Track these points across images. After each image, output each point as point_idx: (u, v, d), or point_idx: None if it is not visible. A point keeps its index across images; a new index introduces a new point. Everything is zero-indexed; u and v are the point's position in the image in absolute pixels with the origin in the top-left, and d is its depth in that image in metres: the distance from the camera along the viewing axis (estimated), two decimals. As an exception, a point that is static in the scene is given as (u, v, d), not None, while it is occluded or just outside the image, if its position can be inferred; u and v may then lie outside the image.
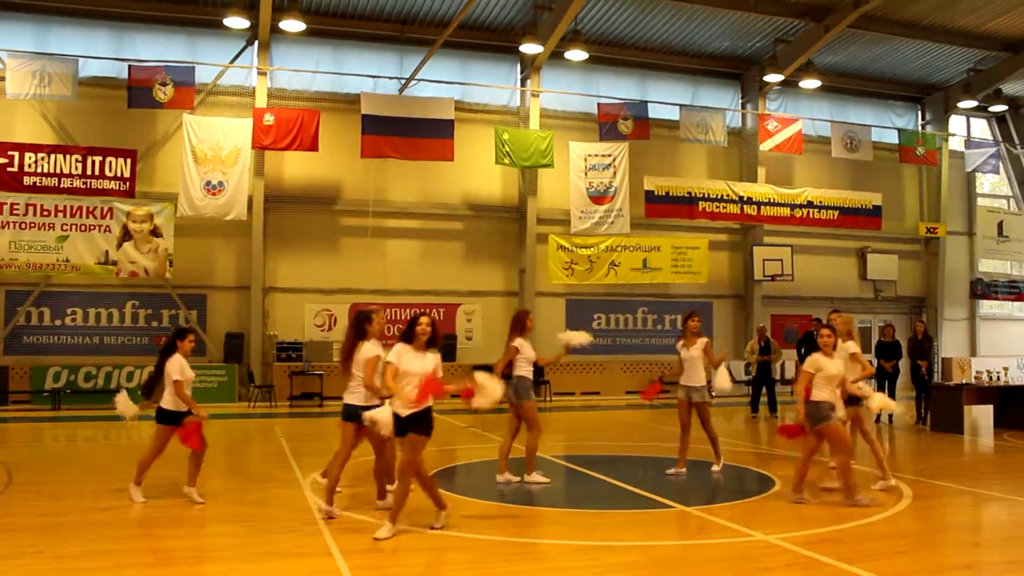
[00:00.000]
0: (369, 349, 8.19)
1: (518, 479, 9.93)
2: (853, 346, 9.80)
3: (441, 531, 7.52)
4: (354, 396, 8.23)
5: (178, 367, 8.78)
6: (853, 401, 10.38)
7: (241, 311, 21.58)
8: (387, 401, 7.61)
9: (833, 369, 8.78)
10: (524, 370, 9.98)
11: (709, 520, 8.09)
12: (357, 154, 21.27)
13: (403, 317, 22.62)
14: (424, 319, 7.53)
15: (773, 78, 24.41)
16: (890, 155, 26.70)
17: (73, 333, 20.71)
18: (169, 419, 8.77)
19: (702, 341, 10.49)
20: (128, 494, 8.77)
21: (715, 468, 10.73)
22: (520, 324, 10.10)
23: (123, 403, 9.07)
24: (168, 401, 8.78)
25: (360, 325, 8.38)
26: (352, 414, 8.18)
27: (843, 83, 26.77)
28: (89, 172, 19.63)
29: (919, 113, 28.63)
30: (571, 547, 7.22)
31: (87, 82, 20.37)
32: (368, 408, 7.78)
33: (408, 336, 7.50)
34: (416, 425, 7.32)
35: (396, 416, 7.32)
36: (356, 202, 22.49)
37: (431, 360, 7.48)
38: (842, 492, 8.82)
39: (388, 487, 8.42)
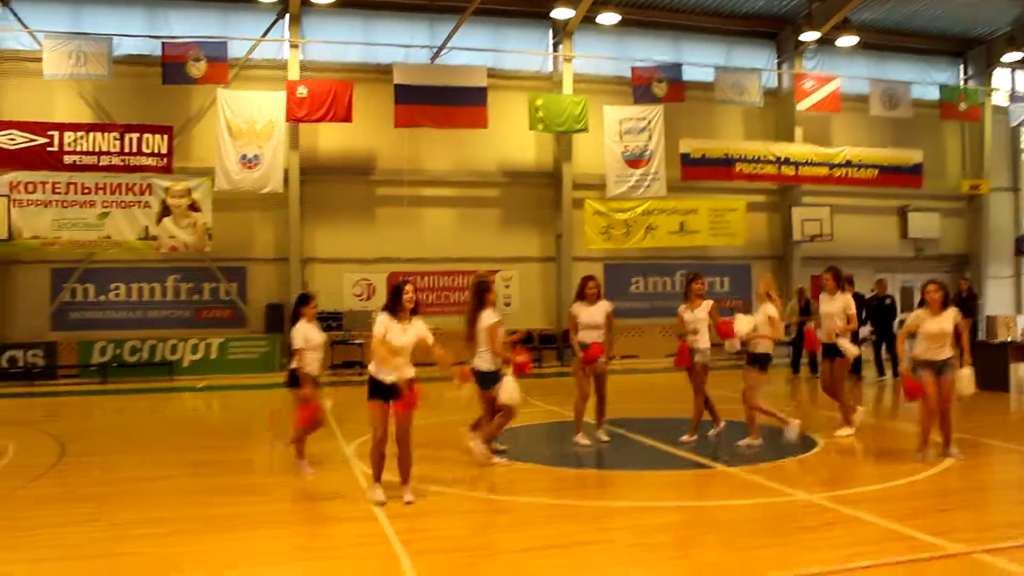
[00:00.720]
0: (489, 317, 8.88)
1: (606, 439, 10.31)
2: (772, 309, 10.00)
3: (485, 495, 7.60)
4: (480, 361, 8.93)
5: (300, 336, 8.88)
6: (832, 352, 10.45)
7: (281, 282, 21.78)
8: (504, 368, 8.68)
9: (934, 327, 8.73)
10: (580, 335, 10.18)
11: (750, 480, 8.10)
12: (391, 124, 21.27)
13: (441, 285, 22.76)
14: (409, 287, 7.49)
15: (809, 36, 23.97)
16: (931, 112, 26.15)
17: (117, 308, 21.05)
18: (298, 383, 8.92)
19: (707, 303, 10.39)
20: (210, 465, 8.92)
21: (713, 432, 10.62)
22: (578, 290, 10.42)
23: None
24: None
25: (481, 294, 9.06)
26: (484, 380, 8.85)
27: (881, 39, 26.17)
28: (127, 149, 19.81)
29: (961, 68, 28.01)
30: (612, 508, 7.28)
31: (122, 60, 20.50)
32: (494, 373, 8.74)
33: (393, 307, 7.44)
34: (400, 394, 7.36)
35: (380, 383, 7.34)
36: (391, 172, 22.52)
37: (414, 331, 7.45)
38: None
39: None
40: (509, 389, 8.74)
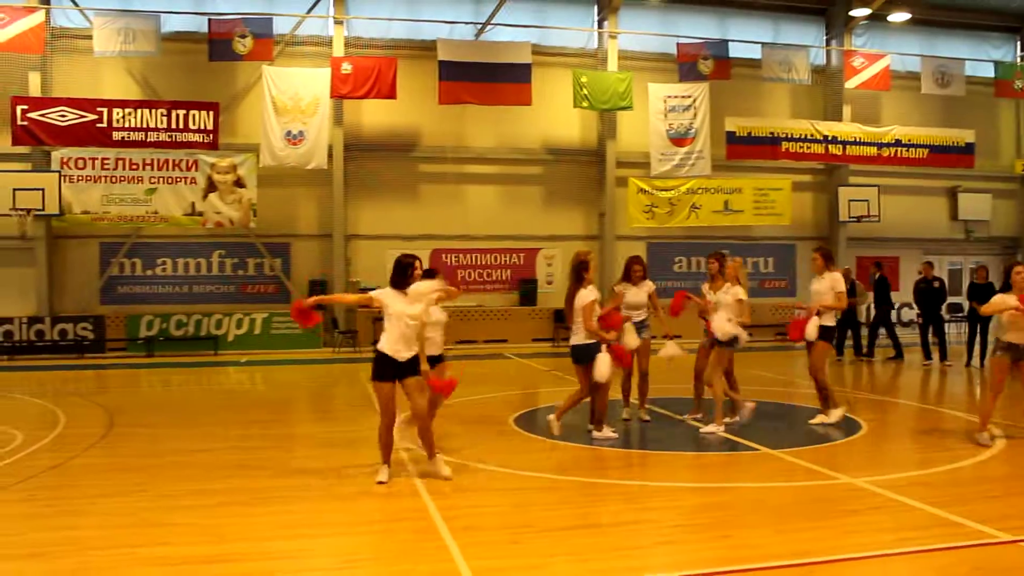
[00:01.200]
0: (585, 295, 8.99)
1: (647, 419, 10.34)
2: (740, 292, 9.60)
3: (518, 472, 7.63)
4: (577, 337, 9.08)
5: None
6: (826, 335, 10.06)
7: (324, 258, 21.95)
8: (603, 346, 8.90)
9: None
10: (624, 313, 10.14)
11: (794, 463, 8.03)
12: (435, 101, 21.25)
13: (484, 263, 22.80)
14: (418, 262, 7.50)
15: (860, 12, 23.57)
16: (985, 90, 25.58)
17: (164, 283, 21.38)
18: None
19: (727, 286, 9.77)
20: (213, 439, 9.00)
21: (735, 418, 9.94)
22: (624, 271, 10.48)
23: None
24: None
25: (579, 272, 9.11)
26: (578, 355, 9.04)
27: (935, 15, 25.61)
28: (174, 126, 20.04)
29: (1018, 44, 27.32)
30: (656, 488, 7.26)
31: (169, 37, 20.71)
32: (588, 345, 8.89)
33: (399, 283, 7.39)
34: (415, 371, 7.40)
35: (393, 359, 7.28)
36: (435, 148, 22.56)
37: (418, 304, 7.39)
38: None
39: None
40: (601, 365, 8.81)
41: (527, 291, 22.63)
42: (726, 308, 9.63)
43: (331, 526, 6.23)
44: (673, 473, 7.78)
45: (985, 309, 8.90)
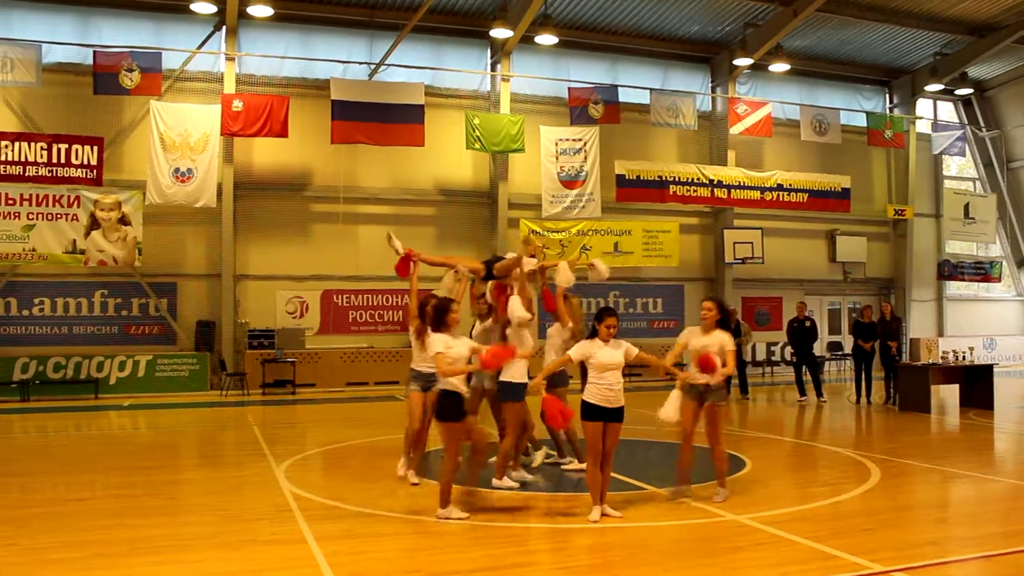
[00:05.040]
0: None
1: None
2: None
3: (405, 516, 7.56)
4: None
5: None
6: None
7: (212, 299, 21.42)
8: None
9: None
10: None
11: (678, 501, 8.17)
12: (327, 140, 21.12)
13: (376, 303, 22.62)
14: None
15: (743, 62, 24.49)
16: (859, 138, 26.91)
17: (41, 323, 20.48)
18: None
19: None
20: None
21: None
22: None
23: None
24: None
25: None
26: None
27: (812, 67, 26.90)
28: (55, 160, 19.33)
29: (887, 96, 28.85)
30: (543, 530, 7.28)
31: (51, 68, 20.05)
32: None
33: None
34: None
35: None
36: (327, 188, 22.36)
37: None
38: None
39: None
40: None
41: (420, 331, 22.47)
42: None
43: (213, 576, 6.06)
44: (561, 514, 7.81)
45: None
